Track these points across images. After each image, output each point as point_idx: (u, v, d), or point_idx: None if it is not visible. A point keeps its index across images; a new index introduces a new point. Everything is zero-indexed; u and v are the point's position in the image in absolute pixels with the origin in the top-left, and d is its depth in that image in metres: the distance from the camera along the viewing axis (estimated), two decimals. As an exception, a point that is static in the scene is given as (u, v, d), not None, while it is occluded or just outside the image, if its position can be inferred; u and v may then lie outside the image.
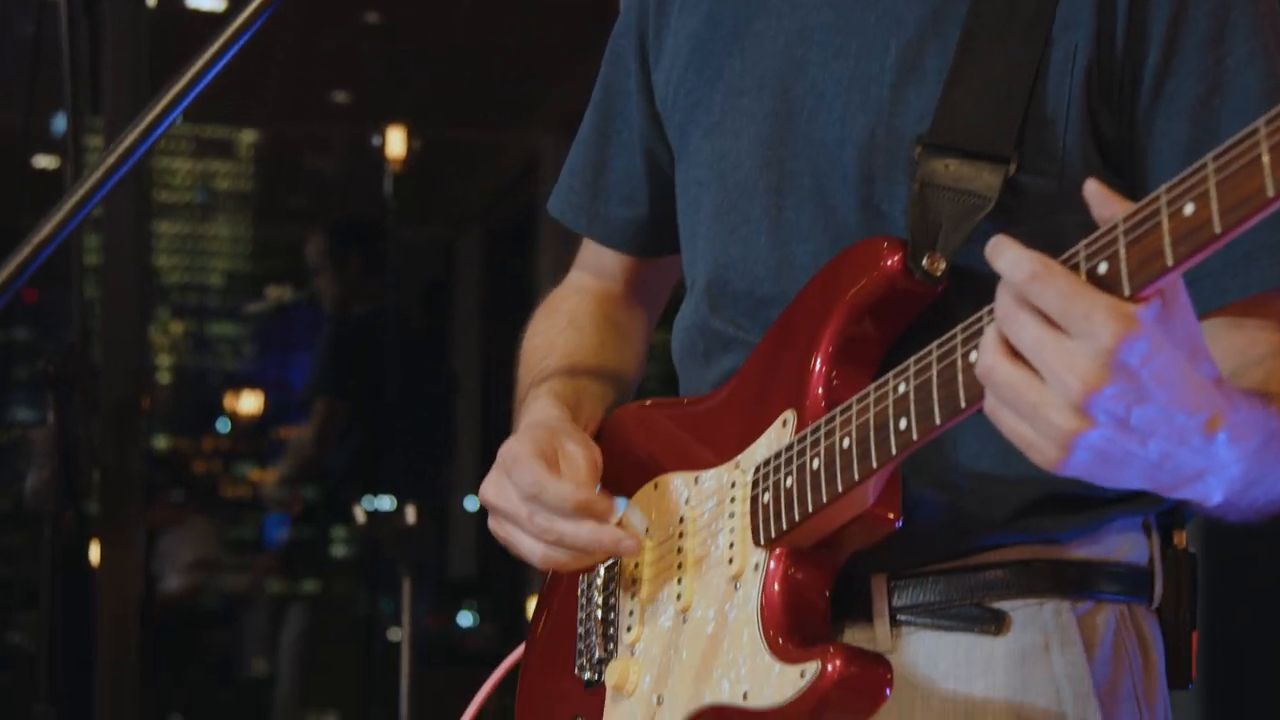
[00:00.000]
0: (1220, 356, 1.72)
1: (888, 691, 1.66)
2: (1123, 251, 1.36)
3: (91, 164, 1.76)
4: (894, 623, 1.80)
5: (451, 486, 8.92)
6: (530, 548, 1.90)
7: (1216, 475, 1.45)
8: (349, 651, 6.61)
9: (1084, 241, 1.40)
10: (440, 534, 8.84)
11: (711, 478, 1.87)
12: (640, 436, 2.01)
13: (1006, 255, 1.41)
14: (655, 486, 1.94)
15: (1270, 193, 1.28)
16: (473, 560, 9.95)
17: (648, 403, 2.04)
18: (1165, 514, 1.87)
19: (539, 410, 2.01)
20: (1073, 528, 1.80)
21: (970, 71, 1.77)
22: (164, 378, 11.09)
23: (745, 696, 1.73)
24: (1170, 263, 1.33)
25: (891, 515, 1.70)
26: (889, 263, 1.72)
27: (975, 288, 1.56)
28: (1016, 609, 1.79)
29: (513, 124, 9.09)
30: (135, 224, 4.77)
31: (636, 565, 1.92)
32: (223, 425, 10.60)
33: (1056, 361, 1.38)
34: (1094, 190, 1.40)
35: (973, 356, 1.50)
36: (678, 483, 1.91)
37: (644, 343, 2.26)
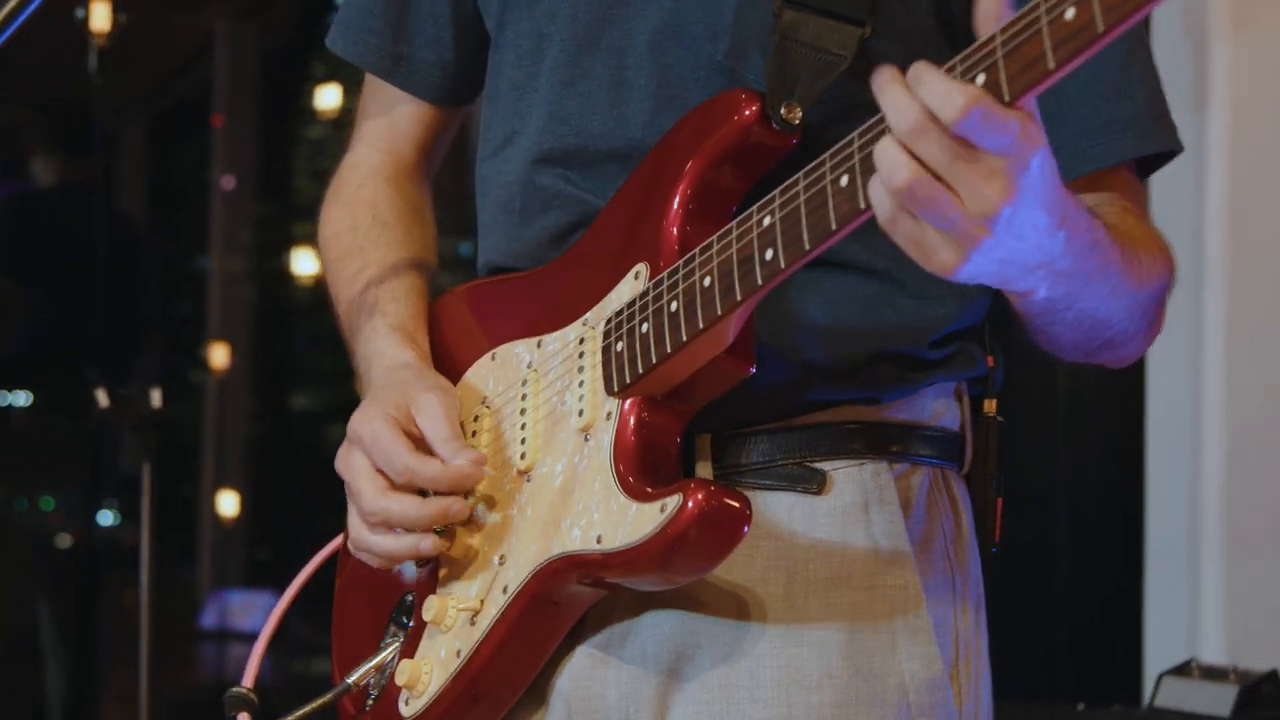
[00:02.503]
0: None
1: (745, 529, 1.67)
2: (1001, 62, 1.42)
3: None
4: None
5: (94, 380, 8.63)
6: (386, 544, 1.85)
7: (1048, 269, 1.54)
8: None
9: (959, 56, 1.46)
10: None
11: (556, 339, 1.85)
12: (476, 313, 1.98)
13: (928, 80, 1.44)
14: (493, 357, 1.92)
15: None
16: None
17: (481, 280, 2.00)
18: (976, 381, 1.93)
19: (385, 352, 1.96)
20: (895, 388, 1.84)
21: None
22: None
23: (599, 540, 1.72)
24: (1052, 65, 1.39)
25: (746, 363, 1.72)
26: (747, 111, 1.73)
27: (829, 145, 1.58)
28: (838, 469, 1.82)
29: (184, 6, 8.79)
30: None
31: (474, 435, 1.89)
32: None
33: (977, 178, 1.43)
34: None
35: (844, 180, 1.54)
36: (519, 349, 1.89)
37: (432, 212, 2.20)
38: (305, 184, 10.14)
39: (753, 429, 1.82)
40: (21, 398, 6.17)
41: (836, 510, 1.81)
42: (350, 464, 1.85)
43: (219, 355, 9.16)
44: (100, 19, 5.59)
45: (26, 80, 7.72)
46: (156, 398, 4.43)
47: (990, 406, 1.93)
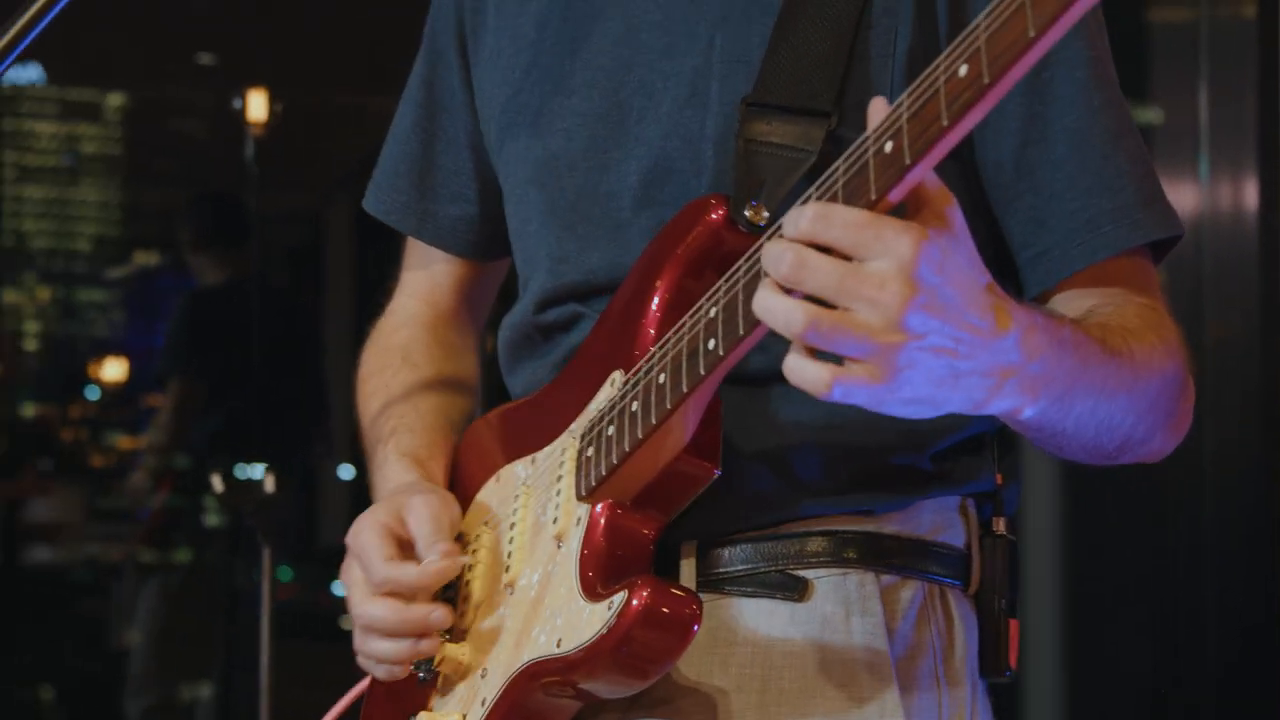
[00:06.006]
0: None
1: (695, 628, 1.66)
2: (905, 126, 1.41)
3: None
4: (699, 588, 1.79)
5: (322, 454, 8.83)
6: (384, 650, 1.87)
7: (1018, 377, 1.50)
8: (219, 622, 6.53)
9: (873, 127, 1.45)
10: (310, 503, 8.76)
11: (546, 453, 1.87)
12: (489, 441, 2.01)
13: (789, 215, 1.45)
14: (497, 479, 1.95)
15: (1031, 33, 1.33)
16: (344, 529, 9.84)
17: (498, 408, 2.03)
18: (985, 499, 1.88)
19: (391, 477, 2.01)
20: (889, 501, 1.81)
21: (790, 40, 1.79)
22: (31, 344, 10.91)
23: (559, 644, 1.72)
24: (946, 123, 1.38)
25: (709, 463, 1.70)
26: (714, 216, 1.75)
27: None
28: (821, 577, 1.79)
29: (380, 88, 8.96)
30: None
31: (474, 553, 1.92)
32: (92, 392, 10.44)
33: (866, 287, 1.41)
34: (877, 106, 1.47)
35: None
36: (518, 469, 1.92)
37: (476, 356, 2.24)
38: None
39: (738, 535, 1.80)
40: (258, 471, 6.34)
41: (816, 618, 1.78)
42: (348, 575, 1.89)
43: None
44: (257, 109, 5.73)
45: (185, 172, 7.99)
46: (270, 483, 4.52)
47: (999, 525, 1.87)
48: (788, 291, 1.46)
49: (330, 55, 8.05)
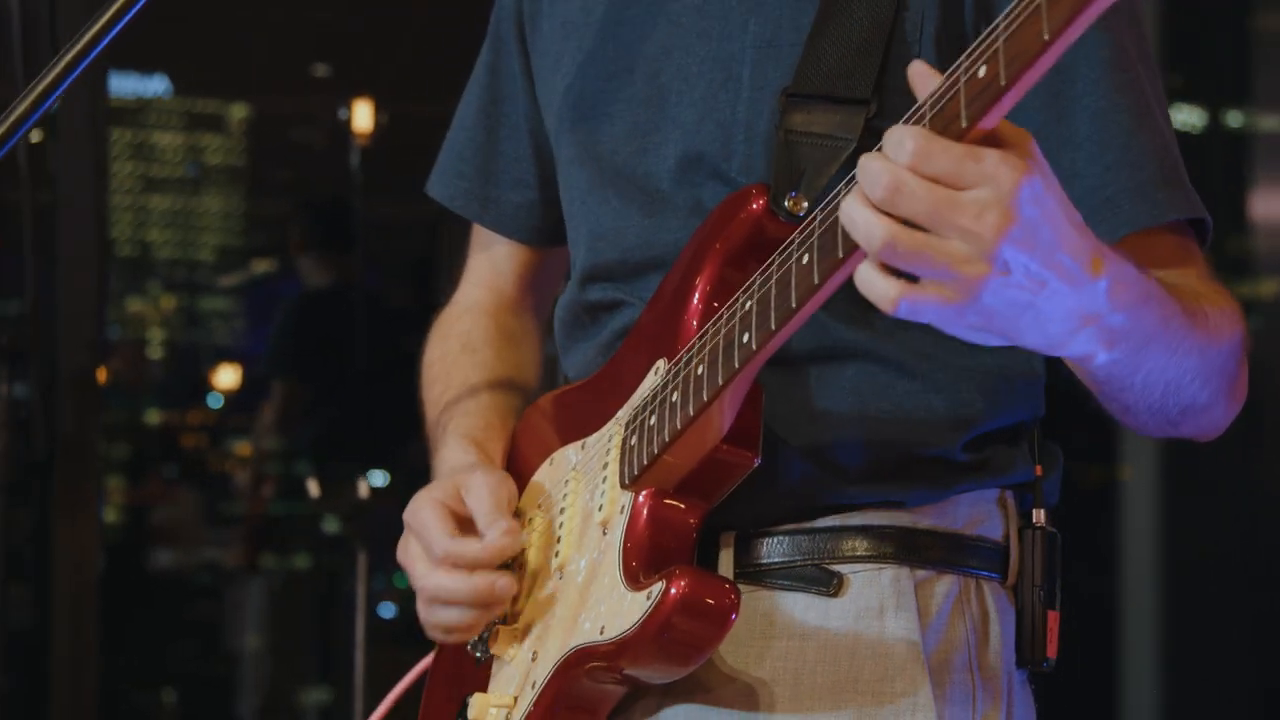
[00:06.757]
0: None
1: (733, 617, 1.69)
2: (928, 124, 1.42)
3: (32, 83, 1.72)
4: (737, 579, 1.81)
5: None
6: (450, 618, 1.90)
7: (1099, 325, 1.48)
8: (338, 627, 6.60)
9: (921, 96, 1.46)
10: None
11: (595, 439, 1.90)
12: (545, 422, 2.05)
13: (890, 136, 1.42)
14: (550, 462, 1.98)
15: (1046, 36, 1.33)
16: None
17: (555, 391, 2.07)
18: (1025, 490, 1.88)
19: (449, 458, 2.04)
20: (922, 491, 1.82)
21: (830, 29, 1.81)
22: (155, 352, 11.07)
23: (603, 631, 1.75)
24: (965, 124, 1.39)
25: (749, 452, 1.73)
26: (754, 206, 1.77)
27: None
28: (856, 572, 1.81)
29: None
30: (94, 193, 4.75)
31: (527, 536, 1.95)
32: (214, 400, 10.56)
33: (963, 216, 1.39)
34: (919, 71, 1.46)
35: (805, 259, 1.54)
36: (569, 453, 1.95)
37: (538, 341, 2.27)
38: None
39: (775, 528, 1.82)
40: (379, 478, 6.41)
41: (850, 613, 1.80)
42: (407, 550, 1.93)
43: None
44: (363, 119, 5.82)
45: (301, 182, 8.07)
46: (364, 488, 4.57)
47: (1039, 517, 1.87)
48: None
49: (439, 67, 8.12)
